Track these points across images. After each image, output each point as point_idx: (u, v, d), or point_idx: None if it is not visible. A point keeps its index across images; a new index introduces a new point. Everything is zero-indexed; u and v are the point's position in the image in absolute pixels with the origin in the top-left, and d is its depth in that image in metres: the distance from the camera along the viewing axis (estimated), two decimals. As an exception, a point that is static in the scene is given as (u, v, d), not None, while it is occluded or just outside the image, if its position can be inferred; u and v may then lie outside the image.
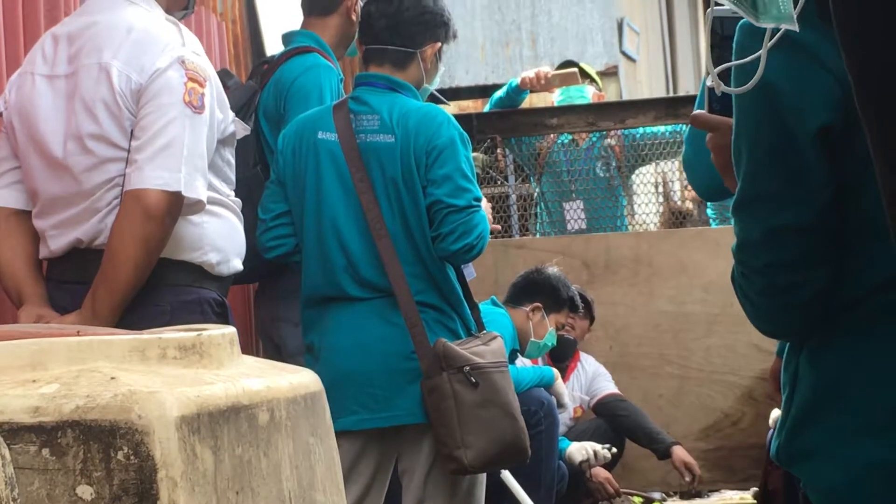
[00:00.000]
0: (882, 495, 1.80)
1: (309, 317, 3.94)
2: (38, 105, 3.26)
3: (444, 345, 3.77)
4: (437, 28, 4.03)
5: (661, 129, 6.61)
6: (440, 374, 3.75)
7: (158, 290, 3.23)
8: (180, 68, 3.20)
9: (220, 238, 3.35)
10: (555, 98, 7.16)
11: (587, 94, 7.05)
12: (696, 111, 1.90)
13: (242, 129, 3.49)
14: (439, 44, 4.04)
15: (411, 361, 3.80)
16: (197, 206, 3.24)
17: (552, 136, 6.73)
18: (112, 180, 3.21)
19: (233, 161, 3.46)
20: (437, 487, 3.87)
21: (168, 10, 3.39)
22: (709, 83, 1.79)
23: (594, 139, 6.78)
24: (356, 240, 3.85)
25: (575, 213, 6.65)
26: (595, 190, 6.73)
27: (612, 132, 6.73)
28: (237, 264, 3.43)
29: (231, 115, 3.43)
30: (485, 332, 3.96)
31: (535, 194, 6.90)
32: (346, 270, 3.85)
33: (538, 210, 6.90)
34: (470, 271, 4.40)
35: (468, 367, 3.76)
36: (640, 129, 6.68)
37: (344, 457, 3.64)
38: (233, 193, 3.46)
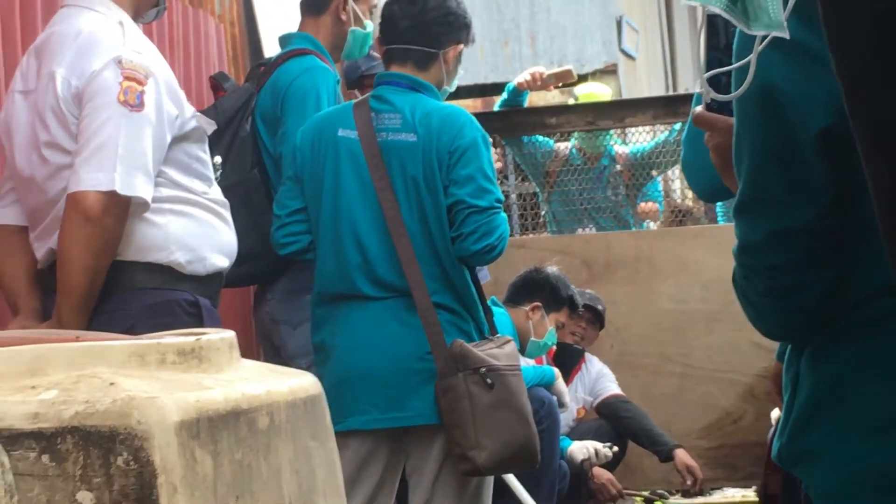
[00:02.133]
0: (882, 498, 1.79)
1: (320, 315, 3.92)
2: (16, 121, 3.28)
3: (462, 346, 3.76)
4: (461, 30, 4.04)
5: (661, 137, 6.59)
6: (456, 375, 3.74)
7: (121, 294, 3.21)
8: (116, 68, 3.17)
9: (188, 236, 3.29)
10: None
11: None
12: (696, 109, 1.89)
13: (207, 124, 3.44)
14: (461, 45, 4.04)
15: (425, 362, 3.79)
16: (143, 206, 3.21)
17: (561, 154, 6.71)
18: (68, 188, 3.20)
19: (205, 157, 3.40)
20: (446, 488, 3.86)
21: (137, 10, 3.38)
22: (698, 89, 1.78)
23: (605, 164, 6.77)
24: (373, 238, 3.84)
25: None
26: (606, 218, 6.74)
27: (620, 157, 6.71)
28: (217, 262, 3.36)
29: (190, 110, 3.38)
30: (498, 335, 3.95)
31: (544, 213, 6.91)
32: (360, 269, 3.84)
33: (548, 226, 6.90)
34: (484, 274, 4.38)
35: (484, 369, 3.75)
36: (643, 147, 6.68)
37: (353, 457, 3.65)
38: (211, 190, 3.41)
